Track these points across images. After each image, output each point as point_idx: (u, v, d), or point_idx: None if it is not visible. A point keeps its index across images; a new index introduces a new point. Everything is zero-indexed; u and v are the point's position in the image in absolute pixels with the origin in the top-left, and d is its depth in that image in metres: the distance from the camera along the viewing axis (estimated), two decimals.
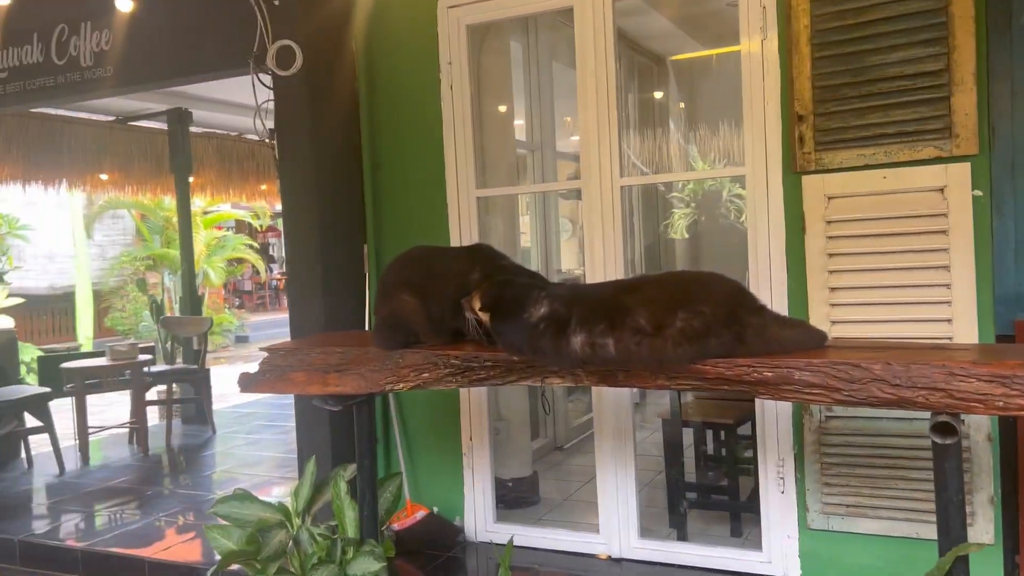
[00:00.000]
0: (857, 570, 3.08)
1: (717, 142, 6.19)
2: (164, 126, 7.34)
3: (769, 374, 1.89)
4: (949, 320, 2.89)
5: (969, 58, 2.81)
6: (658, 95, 6.84)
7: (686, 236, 6.93)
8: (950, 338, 2.86)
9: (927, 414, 1.80)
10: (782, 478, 3.18)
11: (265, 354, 2.49)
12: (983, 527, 2.90)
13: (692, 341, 1.90)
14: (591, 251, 3.47)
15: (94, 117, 7.31)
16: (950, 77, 2.83)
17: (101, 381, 6.34)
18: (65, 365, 6.16)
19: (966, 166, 2.84)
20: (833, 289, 3.03)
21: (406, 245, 2.57)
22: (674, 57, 6.76)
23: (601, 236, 3.44)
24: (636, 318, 1.93)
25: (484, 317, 2.11)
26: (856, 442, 3.04)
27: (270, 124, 3.78)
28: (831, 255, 3.03)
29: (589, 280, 3.41)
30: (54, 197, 9.44)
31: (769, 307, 2.05)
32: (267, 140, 3.85)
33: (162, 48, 4.26)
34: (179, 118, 7.10)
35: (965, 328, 2.86)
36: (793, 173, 3.08)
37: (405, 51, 3.81)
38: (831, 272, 3.03)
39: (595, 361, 1.99)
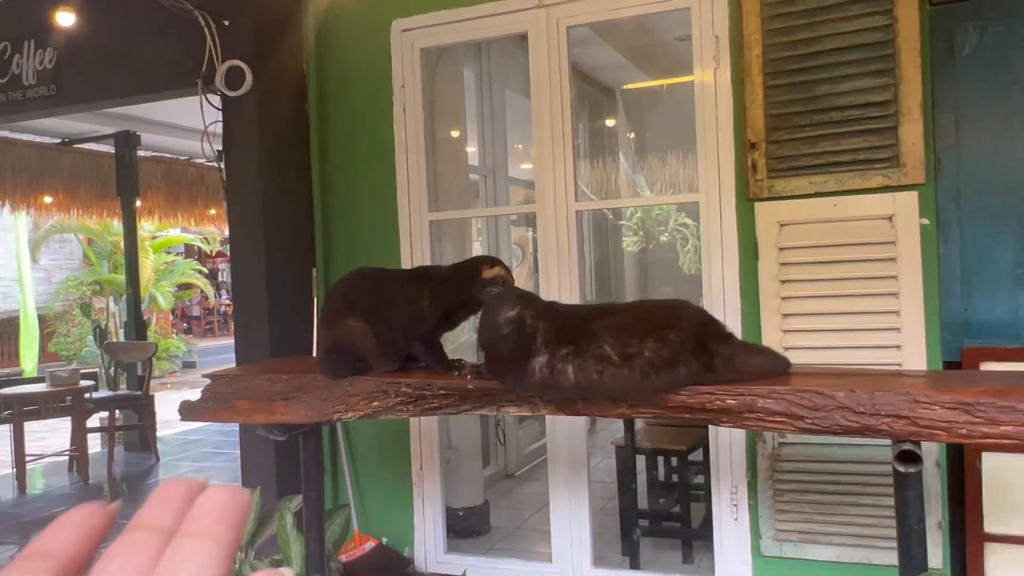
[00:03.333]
0: None
1: (666, 171, 6.18)
2: (112, 149, 7.11)
3: (732, 402, 1.82)
4: (899, 346, 2.85)
5: (915, 89, 2.80)
6: (609, 123, 6.82)
7: (637, 262, 6.90)
8: (900, 364, 2.81)
9: (881, 441, 1.73)
10: (735, 505, 3.11)
11: (208, 381, 2.34)
12: (932, 552, 2.82)
13: (661, 370, 1.81)
14: (546, 277, 3.38)
15: (39, 139, 7.03)
16: (898, 107, 2.82)
17: (40, 408, 6.02)
18: (2, 391, 5.85)
19: (913, 195, 2.83)
20: (785, 315, 2.99)
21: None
22: (626, 86, 6.75)
23: (556, 261, 3.36)
24: (601, 345, 1.83)
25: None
26: (809, 468, 2.98)
27: (218, 147, 3.64)
28: (783, 281, 2.99)
29: None
30: None
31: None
32: (215, 163, 3.71)
33: (109, 68, 4.09)
34: (127, 141, 6.89)
35: (914, 354, 2.83)
36: (746, 200, 3.04)
37: (357, 73, 3.70)
38: (783, 298, 2.99)
39: (552, 387, 1.88)
